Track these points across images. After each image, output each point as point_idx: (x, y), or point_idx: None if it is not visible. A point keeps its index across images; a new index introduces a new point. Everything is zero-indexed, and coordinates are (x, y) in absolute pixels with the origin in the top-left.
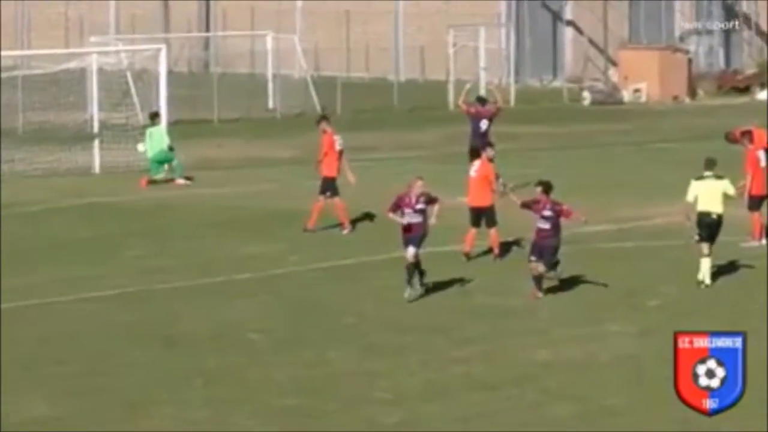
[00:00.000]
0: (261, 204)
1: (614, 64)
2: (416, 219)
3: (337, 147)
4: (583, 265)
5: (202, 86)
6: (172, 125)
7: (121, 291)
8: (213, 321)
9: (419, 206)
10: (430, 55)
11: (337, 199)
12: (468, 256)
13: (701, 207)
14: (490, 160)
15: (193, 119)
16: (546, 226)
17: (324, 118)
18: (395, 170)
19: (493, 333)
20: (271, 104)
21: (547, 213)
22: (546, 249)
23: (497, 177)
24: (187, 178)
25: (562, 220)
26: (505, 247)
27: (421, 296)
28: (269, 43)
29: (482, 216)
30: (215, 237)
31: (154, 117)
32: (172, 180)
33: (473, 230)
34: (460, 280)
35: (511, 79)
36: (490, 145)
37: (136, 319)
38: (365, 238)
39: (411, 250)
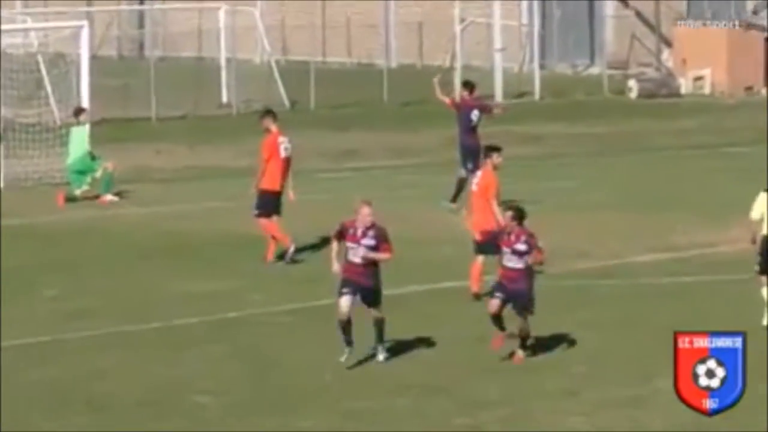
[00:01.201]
0: (211, 227)
1: (669, 44)
2: (359, 258)
3: (282, 153)
4: (630, 305)
5: (136, 75)
6: (97, 125)
7: (34, 340)
8: (150, 379)
9: (367, 241)
10: (430, 33)
11: (263, 220)
12: (478, 296)
13: (767, 230)
14: (495, 168)
15: (124, 117)
16: (518, 264)
17: (269, 113)
18: (383, 182)
19: (511, 394)
20: (224, 98)
21: (522, 247)
22: (518, 295)
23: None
24: (117, 194)
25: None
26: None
27: (387, 358)
28: (222, 18)
29: (488, 242)
30: (152, 270)
31: (79, 113)
32: (97, 197)
33: (479, 261)
34: (465, 325)
35: (535, 65)
36: (496, 149)
37: (52, 377)
38: None
39: (345, 301)
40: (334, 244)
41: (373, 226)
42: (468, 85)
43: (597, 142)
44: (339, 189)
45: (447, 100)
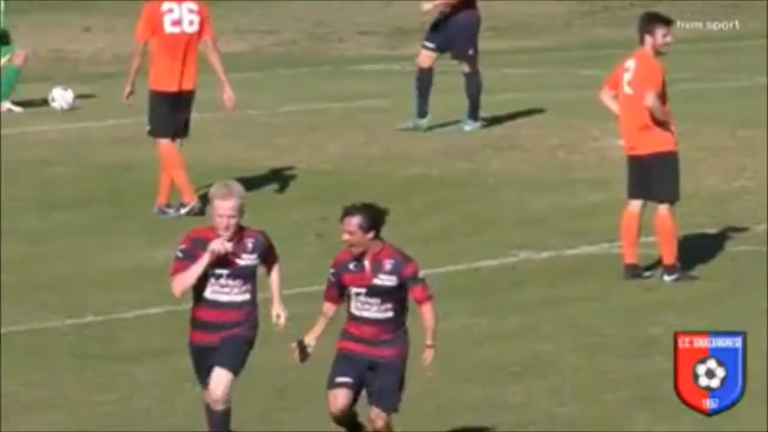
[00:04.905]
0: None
1: None
2: (233, 296)
3: (168, 27)
4: None
5: None
6: None
7: None
8: (76, 419)
9: (246, 260)
10: None
11: (164, 143)
12: (634, 270)
13: None
14: (658, 52)
15: None
16: (382, 313)
17: None
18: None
19: None
20: None
21: (388, 280)
22: (382, 371)
23: None
24: (19, 103)
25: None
26: (695, 248)
27: None
28: None
29: (648, 175)
30: (78, 229)
31: None
32: None
33: (634, 207)
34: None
35: None
36: (662, 21)
37: None
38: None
39: (219, 384)
40: (177, 280)
41: (247, 231)
42: None
43: None
44: (394, 92)
45: None
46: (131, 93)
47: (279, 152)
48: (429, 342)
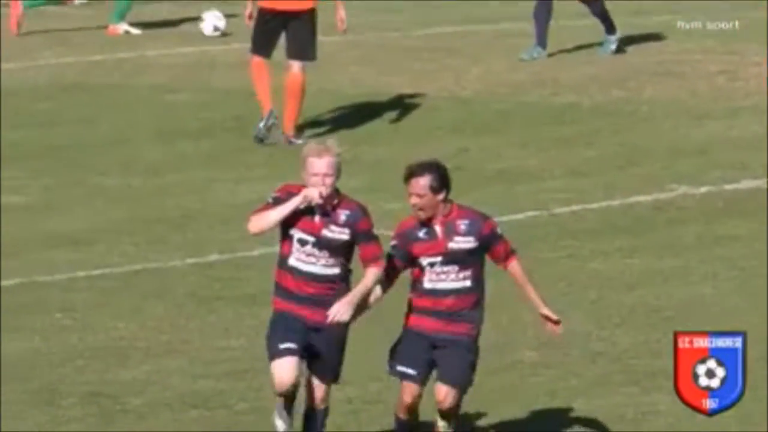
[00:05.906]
0: (313, 79)
1: None
2: (318, 268)
3: None
4: None
5: None
6: None
7: None
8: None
9: (334, 233)
10: None
11: (256, 60)
12: None
13: None
14: None
15: None
16: (458, 282)
17: None
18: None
19: None
20: None
21: (465, 242)
22: (455, 350)
23: None
24: (136, 25)
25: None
26: None
27: None
28: None
29: None
30: (198, 162)
31: None
32: (105, 27)
33: None
34: None
35: None
36: None
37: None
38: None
39: (288, 364)
40: (257, 220)
41: (345, 200)
42: None
43: None
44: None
45: None
46: (252, 14)
47: (416, 78)
48: (544, 311)
